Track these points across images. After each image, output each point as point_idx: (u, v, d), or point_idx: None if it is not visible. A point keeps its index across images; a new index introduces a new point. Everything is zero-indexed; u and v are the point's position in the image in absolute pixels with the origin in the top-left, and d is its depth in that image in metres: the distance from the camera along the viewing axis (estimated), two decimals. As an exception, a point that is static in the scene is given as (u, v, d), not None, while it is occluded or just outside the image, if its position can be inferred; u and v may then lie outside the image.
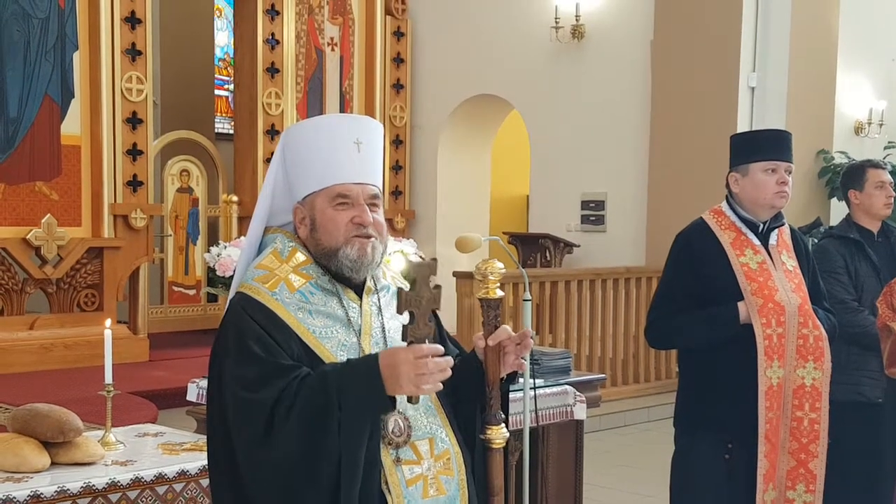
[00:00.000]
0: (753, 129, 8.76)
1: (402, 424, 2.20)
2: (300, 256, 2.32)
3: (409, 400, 2.13)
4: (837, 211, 8.85)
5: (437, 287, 2.17)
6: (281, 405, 2.10)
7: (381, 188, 2.37)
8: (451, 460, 2.27)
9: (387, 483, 2.17)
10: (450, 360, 2.13)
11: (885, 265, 4.49)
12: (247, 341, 2.18)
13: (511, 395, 4.06)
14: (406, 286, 2.14)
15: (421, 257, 5.08)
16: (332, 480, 2.09)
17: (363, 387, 2.10)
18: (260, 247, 2.40)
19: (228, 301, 2.36)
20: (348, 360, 2.17)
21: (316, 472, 2.10)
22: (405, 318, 2.13)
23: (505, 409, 2.39)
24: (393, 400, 2.13)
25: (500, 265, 2.33)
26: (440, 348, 2.12)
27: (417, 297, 2.12)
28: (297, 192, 2.34)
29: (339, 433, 2.08)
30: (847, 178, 4.68)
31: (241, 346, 2.19)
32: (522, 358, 2.35)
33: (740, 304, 3.55)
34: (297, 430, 2.09)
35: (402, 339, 2.13)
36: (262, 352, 2.16)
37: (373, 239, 2.28)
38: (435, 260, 2.23)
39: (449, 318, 7.62)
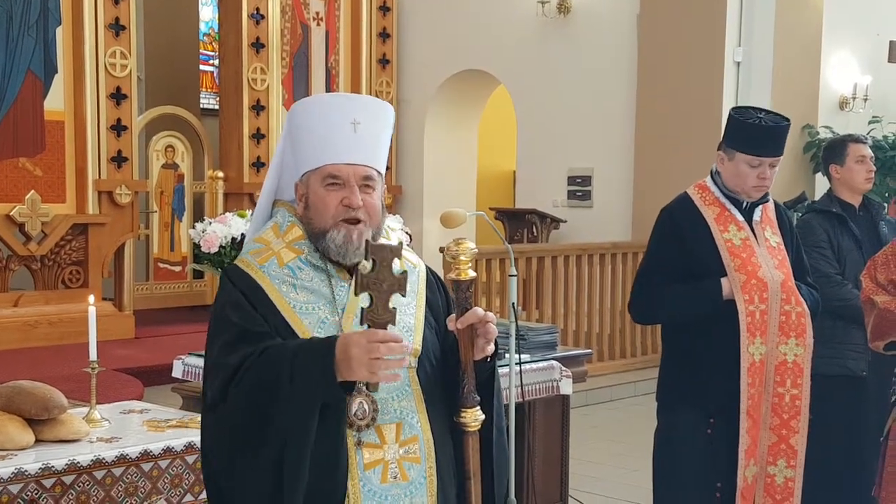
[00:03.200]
0: (739, 104, 8.77)
1: (366, 407, 2.16)
2: (296, 231, 2.32)
3: (367, 387, 2.09)
4: (822, 185, 8.84)
5: (404, 273, 2.11)
6: (241, 370, 2.12)
7: (379, 170, 2.32)
8: (419, 447, 2.23)
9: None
10: (408, 348, 2.08)
11: (867, 239, 4.52)
12: (226, 310, 2.22)
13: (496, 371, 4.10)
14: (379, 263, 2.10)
15: (407, 233, 5.07)
16: (276, 454, 2.08)
17: (316, 366, 2.07)
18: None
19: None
20: (313, 336, 2.15)
21: (258, 443, 2.10)
22: (364, 300, 2.10)
23: (490, 391, 2.35)
24: (346, 385, 2.09)
25: (472, 245, 2.26)
26: (399, 336, 2.07)
27: (377, 279, 2.06)
28: (299, 169, 2.34)
29: (286, 408, 2.07)
30: (828, 153, 4.69)
31: (221, 315, 2.23)
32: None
33: (723, 280, 3.55)
34: (245, 396, 2.10)
35: (361, 323, 2.09)
36: (237, 319, 2.19)
37: (360, 224, 2.25)
38: (401, 244, 2.16)
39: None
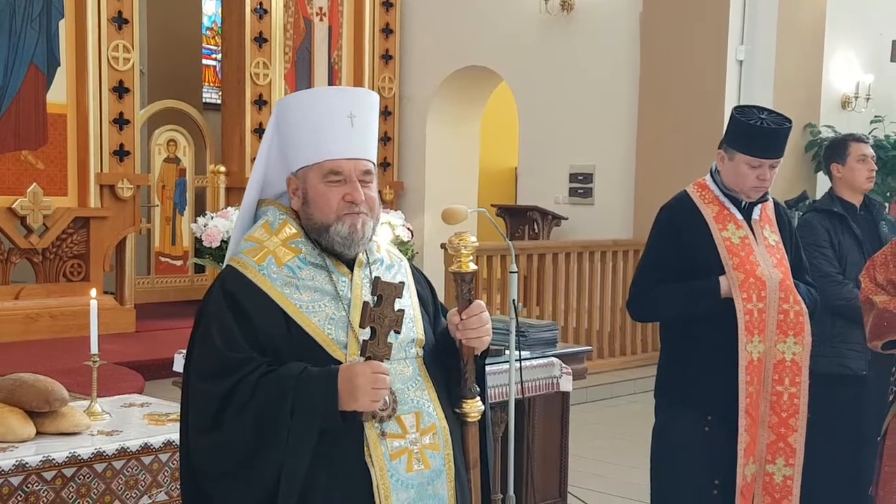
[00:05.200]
0: (741, 102, 8.77)
1: (387, 399, 2.19)
2: (290, 229, 2.32)
3: (361, 416, 2.15)
4: (824, 184, 8.85)
5: (401, 311, 2.18)
6: (234, 401, 2.14)
7: (374, 162, 2.35)
8: (437, 435, 2.27)
9: (370, 456, 2.18)
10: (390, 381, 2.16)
11: (868, 238, 4.52)
12: (211, 329, 2.22)
13: (497, 367, 4.11)
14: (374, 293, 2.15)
15: (409, 229, 5.06)
16: (272, 480, 2.13)
17: (318, 401, 2.12)
18: (256, 219, 2.41)
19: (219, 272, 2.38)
20: (307, 368, 2.16)
21: (256, 471, 2.14)
22: (366, 332, 2.16)
23: (482, 383, 2.41)
24: (342, 416, 2.13)
25: (473, 238, 2.32)
26: (388, 369, 2.16)
27: (381, 314, 2.15)
28: (290, 163, 2.34)
29: (286, 441, 2.11)
30: (829, 152, 4.70)
31: (205, 333, 2.23)
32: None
33: (721, 279, 3.55)
34: (246, 429, 2.13)
35: (361, 354, 2.15)
36: (220, 343, 2.19)
37: (363, 215, 2.27)
38: (402, 283, 2.23)
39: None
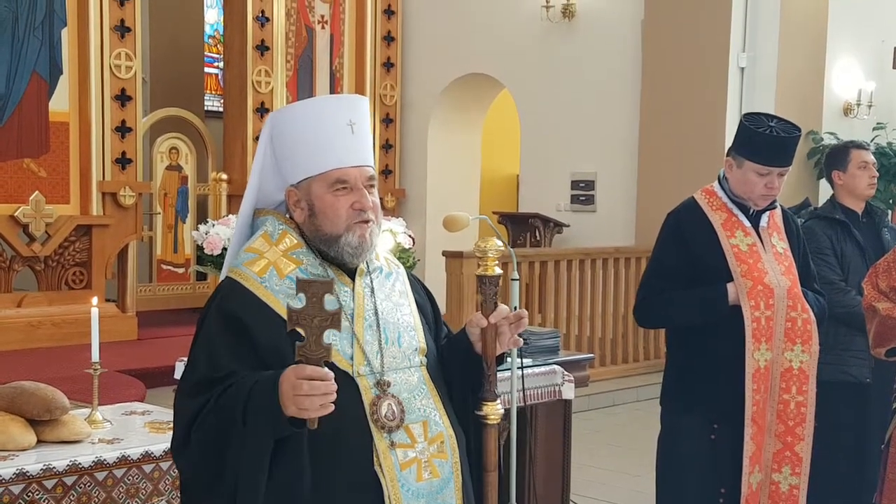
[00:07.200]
0: (743, 109, 8.79)
1: (395, 409, 2.18)
2: (290, 240, 2.31)
3: (305, 423, 2.02)
4: (826, 192, 8.84)
5: (338, 309, 2.03)
6: (199, 417, 2.13)
7: (374, 167, 2.36)
8: (444, 443, 2.26)
9: (380, 467, 2.17)
10: (333, 387, 1.99)
11: (870, 245, 4.51)
12: (198, 347, 2.21)
13: (498, 375, 4.10)
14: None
15: (410, 236, 5.06)
16: (230, 491, 2.10)
17: (265, 404, 2.04)
18: (252, 229, 2.39)
19: (218, 284, 2.36)
20: (262, 375, 2.09)
21: (217, 481, 2.12)
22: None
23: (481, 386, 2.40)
24: (293, 421, 2.03)
25: (500, 243, 2.35)
26: (328, 373, 2.00)
27: (307, 315, 2.01)
28: (289, 175, 2.32)
29: (240, 448, 2.07)
30: (831, 160, 4.70)
31: (194, 350, 2.22)
32: (520, 335, 2.34)
33: (729, 286, 3.55)
34: (205, 440, 2.12)
35: (295, 360, 2.04)
36: (204, 361, 2.17)
37: (371, 223, 2.27)
38: (333, 280, 2.12)
39: (438, 298, 7.61)
